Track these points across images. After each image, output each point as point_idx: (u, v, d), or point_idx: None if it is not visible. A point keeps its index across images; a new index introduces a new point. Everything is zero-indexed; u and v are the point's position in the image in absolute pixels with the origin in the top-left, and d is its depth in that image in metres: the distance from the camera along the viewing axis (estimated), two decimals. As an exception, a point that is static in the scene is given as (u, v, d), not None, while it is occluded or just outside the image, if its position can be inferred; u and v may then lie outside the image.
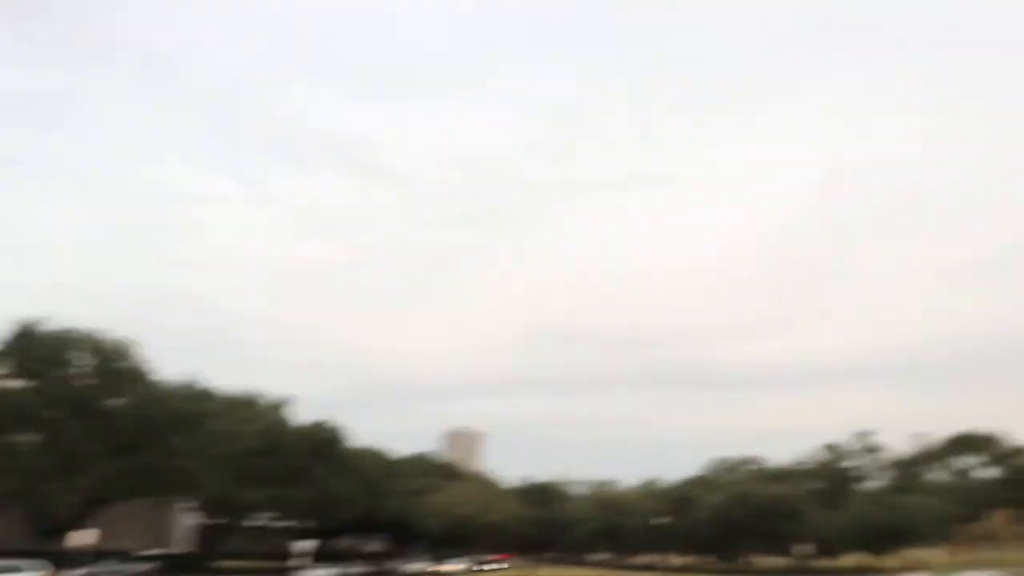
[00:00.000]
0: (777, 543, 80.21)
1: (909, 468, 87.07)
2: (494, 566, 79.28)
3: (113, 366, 53.82)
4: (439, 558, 78.46)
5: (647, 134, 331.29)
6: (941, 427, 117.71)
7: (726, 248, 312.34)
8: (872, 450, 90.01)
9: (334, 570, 62.94)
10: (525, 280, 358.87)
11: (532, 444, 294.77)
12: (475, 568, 75.89)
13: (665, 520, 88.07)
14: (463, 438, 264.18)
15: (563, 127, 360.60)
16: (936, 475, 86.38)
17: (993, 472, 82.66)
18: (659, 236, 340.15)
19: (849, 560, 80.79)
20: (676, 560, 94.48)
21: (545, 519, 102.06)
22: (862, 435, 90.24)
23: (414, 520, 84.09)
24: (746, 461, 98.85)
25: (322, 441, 70.58)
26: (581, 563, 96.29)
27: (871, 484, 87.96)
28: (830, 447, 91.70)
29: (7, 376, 52.12)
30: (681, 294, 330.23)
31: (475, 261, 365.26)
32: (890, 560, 76.45)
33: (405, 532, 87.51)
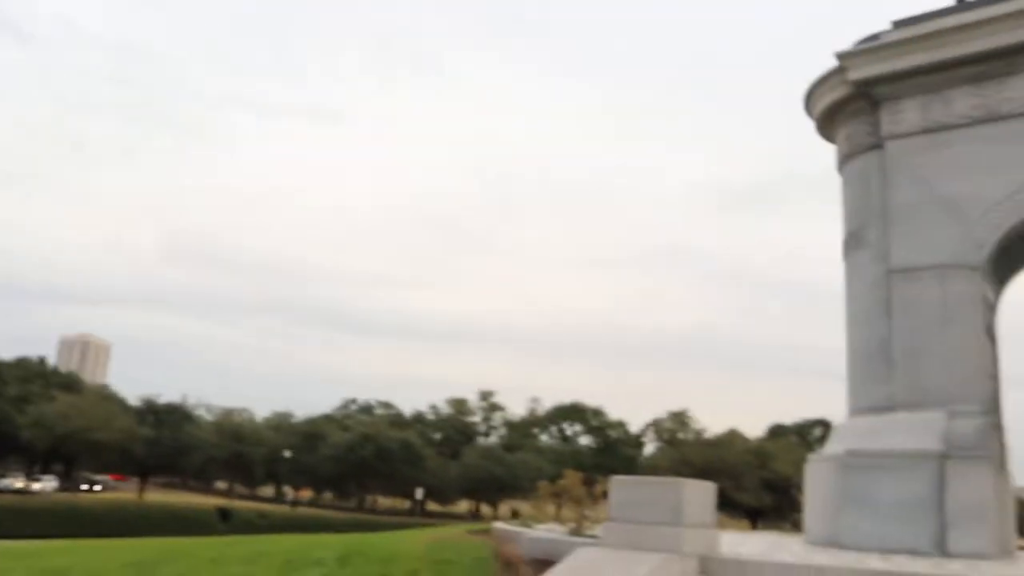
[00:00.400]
0: (397, 486, 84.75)
1: (521, 429, 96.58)
2: (92, 487, 74.53)
3: None
4: (32, 475, 72.14)
5: (328, 68, 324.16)
6: (554, 395, 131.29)
7: (386, 196, 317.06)
8: (493, 409, 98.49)
9: None
10: (176, 188, 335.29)
11: (163, 362, 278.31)
12: (73, 488, 70.86)
13: (291, 454, 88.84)
14: (83, 347, 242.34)
15: (243, 43, 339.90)
16: (544, 438, 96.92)
17: (589, 439, 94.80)
18: (326, 172, 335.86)
19: (461, 507, 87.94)
20: (300, 495, 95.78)
21: (166, 442, 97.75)
22: (486, 394, 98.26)
23: (14, 431, 76.29)
24: (378, 405, 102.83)
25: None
26: (202, 490, 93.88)
27: (488, 440, 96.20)
28: (457, 402, 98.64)
29: None
30: (337, 233, 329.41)
31: (118, 156, 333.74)
32: (494, 509, 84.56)
33: (1, 444, 79.11)
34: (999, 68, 12.81)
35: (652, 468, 70.65)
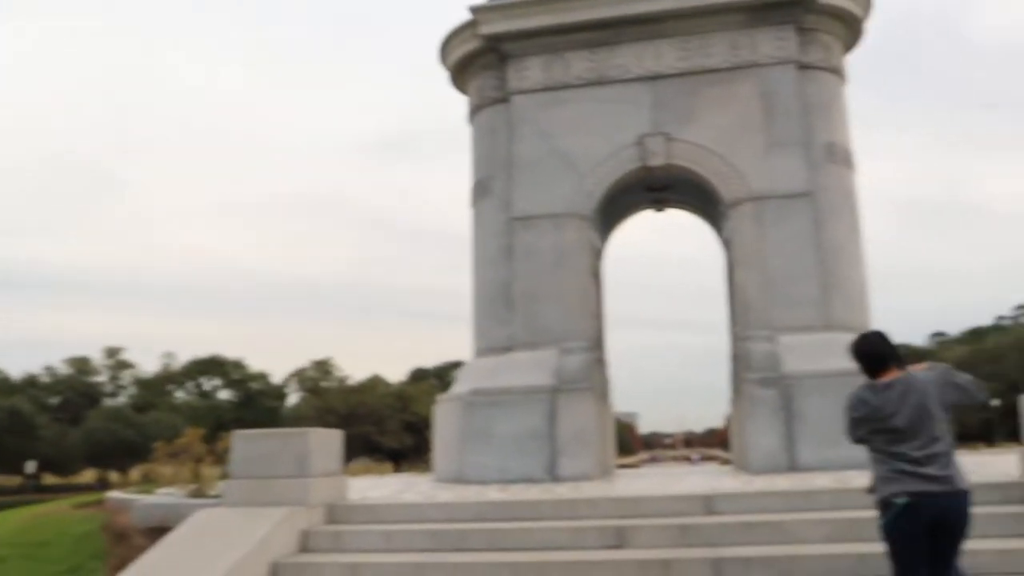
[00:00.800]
0: (5, 460, 75.01)
1: (155, 387, 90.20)
2: None
3: None
4: None
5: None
6: (192, 349, 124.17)
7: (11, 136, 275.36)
8: (121, 367, 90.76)
9: None
10: None
11: None
12: None
13: None
14: None
15: None
16: (180, 395, 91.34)
17: (230, 394, 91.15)
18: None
19: (86, 477, 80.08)
20: None
21: None
22: (112, 351, 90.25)
23: None
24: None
25: None
26: None
27: (116, 401, 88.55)
28: (78, 361, 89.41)
29: None
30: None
31: None
32: (125, 476, 78.24)
33: None
34: (609, 36, 13.97)
35: (295, 418, 69.89)
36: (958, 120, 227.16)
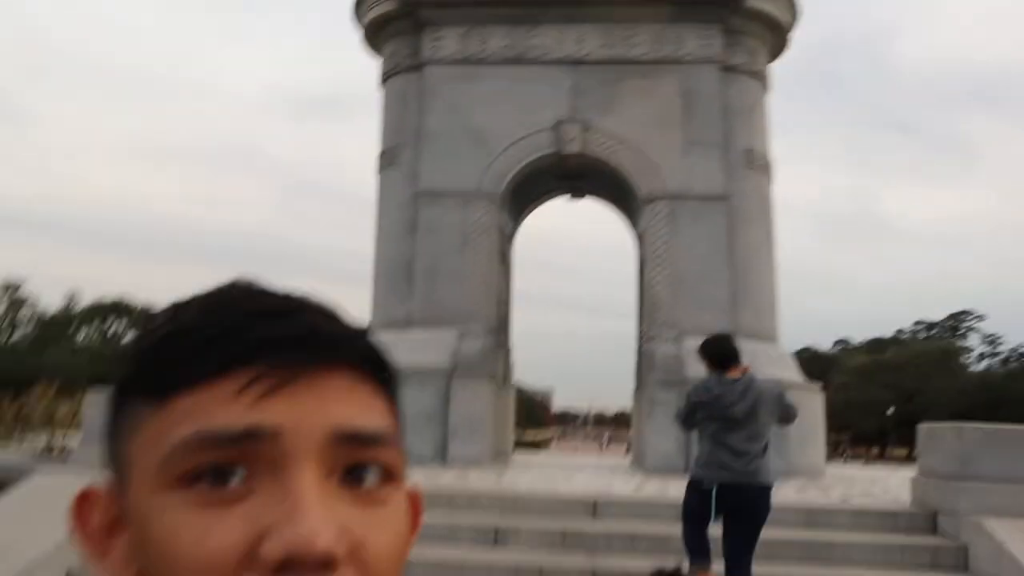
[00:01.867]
0: None
1: (57, 326, 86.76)
2: None
3: None
4: None
5: None
6: (98, 289, 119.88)
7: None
8: (18, 304, 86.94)
9: None
10: None
11: None
12: None
13: None
14: None
15: None
16: (85, 334, 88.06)
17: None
18: None
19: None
20: None
21: None
22: (10, 287, 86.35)
23: None
24: None
25: None
26: None
27: (12, 339, 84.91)
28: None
29: None
30: None
31: None
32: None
33: None
34: (530, 14, 13.49)
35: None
36: (871, 140, 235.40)
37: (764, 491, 4.95)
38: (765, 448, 4.98)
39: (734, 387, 4.99)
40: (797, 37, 14.65)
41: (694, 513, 5.05)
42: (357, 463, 0.48)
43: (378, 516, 0.48)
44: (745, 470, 4.86)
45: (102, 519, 0.51)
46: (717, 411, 4.95)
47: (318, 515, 0.44)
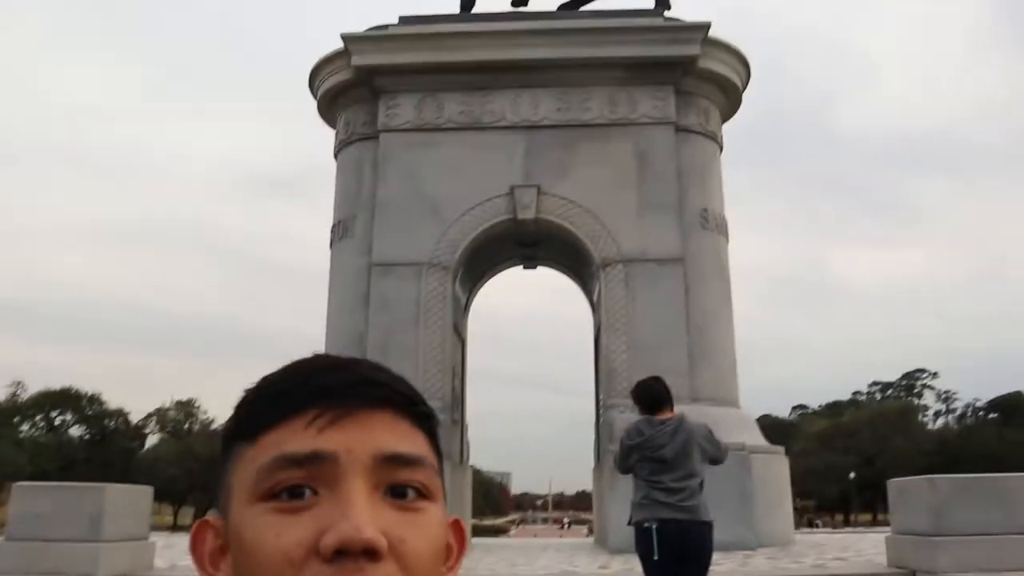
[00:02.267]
0: None
1: (1, 415, 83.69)
2: None
3: None
4: None
5: None
6: (43, 379, 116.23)
7: None
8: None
9: None
10: None
11: None
12: None
13: None
14: None
15: None
16: (26, 428, 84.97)
17: (83, 430, 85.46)
18: None
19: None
20: None
21: None
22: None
23: None
24: None
25: None
26: None
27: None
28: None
29: None
30: None
31: None
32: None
33: None
34: (485, 81, 13.50)
35: (153, 461, 66.02)
36: (817, 205, 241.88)
37: (705, 527, 4.98)
38: (700, 485, 5.05)
39: (664, 429, 5.09)
40: (747, 100, 14.88)
41: (650, 559, 4.97)
42: (398, 483, 0.63)
43: (415, 521, 0.62)
44: (683, 506, 4.92)
45: (213, 544, 0.67)
46: (649, 452, 5.05)
47: (365, 514, 0.59)
